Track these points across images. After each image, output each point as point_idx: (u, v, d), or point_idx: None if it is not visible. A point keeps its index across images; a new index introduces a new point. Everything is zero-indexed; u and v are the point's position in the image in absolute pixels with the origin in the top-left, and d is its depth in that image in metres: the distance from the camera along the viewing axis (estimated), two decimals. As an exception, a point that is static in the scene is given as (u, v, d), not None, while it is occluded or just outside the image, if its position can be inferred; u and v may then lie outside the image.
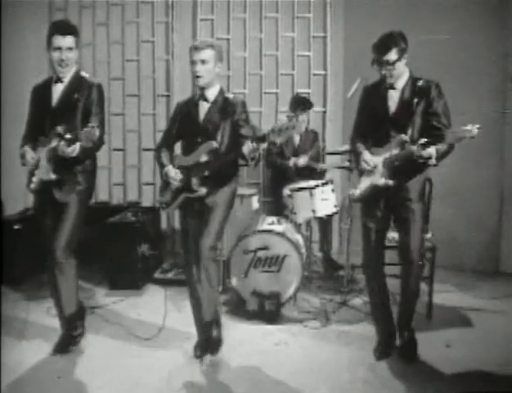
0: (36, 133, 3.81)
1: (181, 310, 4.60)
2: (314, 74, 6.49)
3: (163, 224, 6.47)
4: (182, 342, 4.11)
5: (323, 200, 5.12)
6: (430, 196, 4.72)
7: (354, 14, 6.24)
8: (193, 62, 3.72)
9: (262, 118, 6.50)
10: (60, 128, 3.65)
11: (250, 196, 5.44)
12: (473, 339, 4.24)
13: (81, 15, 6.46)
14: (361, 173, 3.83)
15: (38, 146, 3.78)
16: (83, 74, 3.87)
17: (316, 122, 6.39)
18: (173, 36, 6.51)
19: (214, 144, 3.74)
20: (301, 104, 5.69)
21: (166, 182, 3.89)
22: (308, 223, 5.46)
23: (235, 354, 3.99)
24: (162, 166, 3.90)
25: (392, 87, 3.69)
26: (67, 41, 3.70)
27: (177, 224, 6.14)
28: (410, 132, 3.66)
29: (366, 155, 3.76)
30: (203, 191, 3.76)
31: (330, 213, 5.21)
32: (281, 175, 5.72)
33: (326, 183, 5.22)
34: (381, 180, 3.70)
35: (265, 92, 6.53)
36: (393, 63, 3.58)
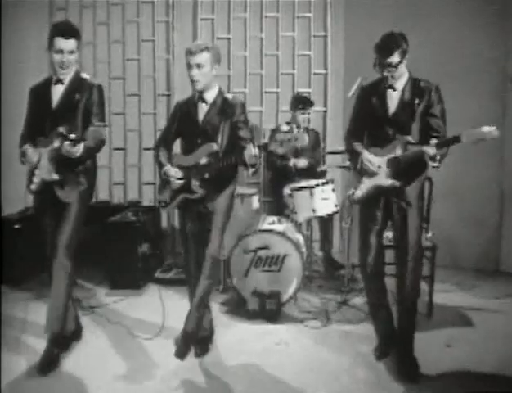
0: (35, 134, 3.80)
1: (181, 310, 4.59)
2: (314, 74, 6.49)
3: (164, 224, 6.48)
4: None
5: (323, 199, 5.13)
6: (431, 195, 4.72)
7: (354, 13, 6.24)
8: (189, 66, 3.70)
9: (263, 117, 6.50)
10: (62, 129, 3.65)
11: (251, 195, 5.44)
12: (473, 338, 4.24)
13: (81, 14, 6.46)
14: (362, 173, 3.80)
15: (37, 146, 3.77)
16: (83, 75, 3.87)
17: (317, 121, 6.39)
18: (174, 35, 6.52)
19: (215, 147, 3.74)
20: (301, 103, 5.69)
21: (165, 181, 3.89)
22: (309, 222, 5.47)
23: (236, 354, 4.00)
24: (161, 165, 3.91)
25: (392, 87, 3.69)
26: (69, 44, 3.69)
27: (177, 224, 6.15)
28: (409, 130, 3.67)
29: (368, 155, 3.74)
30: (201, 192, 3.76)
31: (330, 212, 5.21)
32: (282, 175, 5.71)
33: (327, 183, 5.22)
34: (388, 181, 3.69)
35: (265, 92, 6.53)
36: (396, 65, 3.58)
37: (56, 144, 3.65)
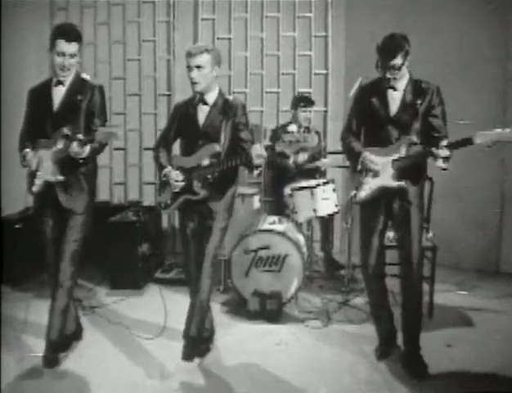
0: (36, 136, 3.80)
1: (181, 310, 4.58)
2: (315, 74, 6.49)
3: (164, 224, 6.49)
4: (183, 342, 4.10)
5: (324, 199, 5.12)
6: (431, 196, 4.72)
7: (355, 13, 6.25)
8: (189, 68, 3.69)
9: (264, 117, 6.50)
10: (66, 130, 3.65)
11: (252, 195, 5.44)
12: (473, 339, 4.24)
13: (82, 14, 6.46)
14: (363, 173, 3.77)
15: (38, 148, 3.76)
16: (84, 75, 3.86)
17: (318, 121, 6.38)
18: (175, 35, 6.52)
19: (217, 148, 3.73)
20: (303, 101, 5.69)
21: (164, 183, 3.88)
22: (309, 222, 5.47)
23: (236, 354, 4.00)
24: (161, 166, 3.89)
25: (393, 87, 3.69)
26: (71, 47, 3.67)
27: (177, 224, 6.15)
28: (411, 131, 3.67)
29: (371, 155, 3.72)
30: (204, 193, 3.76)
31: (331, 212, 5.21)
32: (282, 175, 5.71)
33: (327, 183, 5.22)
34: (394, 182, 3.68)
35: (266, 92, 6.53)
36: (399, 67, 3.58)
37: (60, 145, 3.66)
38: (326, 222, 5.75)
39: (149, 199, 6.58)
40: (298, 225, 5.31)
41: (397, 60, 3.55)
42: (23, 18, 5.98)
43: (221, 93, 3.84)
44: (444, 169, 3.50)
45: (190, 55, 3.67)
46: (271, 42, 6.47)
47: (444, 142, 3.46)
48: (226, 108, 3.78)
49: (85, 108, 3.77)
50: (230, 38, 6.47)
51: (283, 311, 4.67)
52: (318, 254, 5.95)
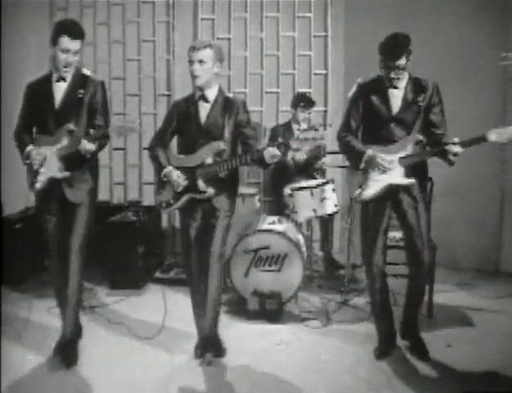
0: (38, 132, 3.80)
1: (181, 310, 4.59)
2: (315, 74, 6.49)
3: (164, 223, 6.48)
4: (183, 342, 4.12)
5: (324, 199, 5.12)
6: (431, 195, 4.72)
7: (355, 13, 6.24)
8: (191, 62, 3.70)
9: (263, 117, 6.50)
10: (71, 126, 3.66)
11: (251, 195, 5.45)
12: (473, 338, 4.24)
13: (82, 14, 6.45)
14: (370, 171, 3.76)
15: (40, 144, 3.76)
16: (85, 71, 3.85)
17: (317, 121, 6.37)
18: (174, 35, 6.52)
19: (222, 145, 3.73)
20: (303, 101, 5.69)
21: (163, 182, 3.86)
22: (309, 222, 5.47)
23: (236, 354, 3.99)
24: (160, 166, 3.86)
25: (395, 86, 3.70)
26: (75, 45, 3.67)
27: (177, 223, 6.16)
28: (412, 129, 3.72)
29: (377, 153, 3.71)
30: (211, 192, 3.76)
31: (330, 212, 5.21)
32: (282, 174, 5.71)
33: (327, 183, 5.22)
34: (404, 180, 3.70)
35: (266, 92, 6.53)
36: (404, 67, 3.62)
37: (66, 141, 3.66)
38: (326, 222, 5.75)
39: (148, 199, 6.56)
40: (298, 225, 5.31)
41: (402, 61, 3.59)
42: (23, 18, 5.97)
43: (221, 91, 3.85)
44: (451, 165, 3.58)
45: (193, 49, 3.68)
46: (270, 42, 6.47)
47: (456, 139, 3.51)
48: (227, 105, 3.78)
49: (87, 104, 3.77)
50: (229, 38, 6.47)
51: (283, 311, 4.67)
52: (318, 254, 5.95)
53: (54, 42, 3.67)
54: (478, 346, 4.09)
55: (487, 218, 5.82)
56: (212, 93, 3.80)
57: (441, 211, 5.09)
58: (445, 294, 5.05)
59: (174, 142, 4.00)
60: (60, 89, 3.77)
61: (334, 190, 5.22)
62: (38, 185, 3.76)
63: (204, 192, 3.75)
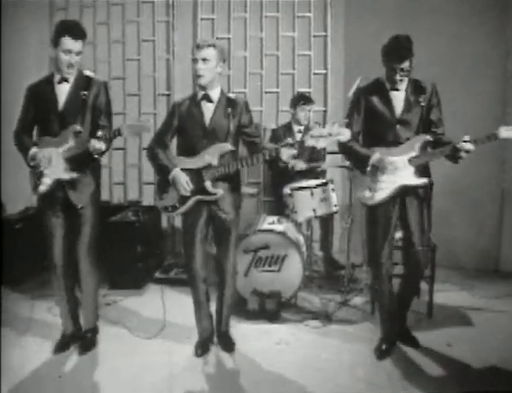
0: (39, 134, 3.80)
1: (181, 310, 4.60)
2: (315, 74, 6.49)
3: (164, 223, 6.48)
4: (183, 341, 4.12)
5: (324, 199, 5.12)
6: (431, 194, 4.72)
7: (355, 13, 6.24)
8: (194, 60, 3.69)
9: (263, 117, 6.50)
10: (78, 127, 3.66)
11: (251, 195, 5.45)
12: (473, 338, 4.24)
13: (82, 14, 6.44)
14: (378, 174, 3.77)
15: (44, 146, 3.75)
16: (87, 72, 3.84)
17: (317, 121, 6.38)
18: (174, 35, 6.51)
19: (229, 146, 3.74)
20: (301, 99, 5.69)
21: (165, 184, 3.83)
22: (309, 222, 5.46)
23: (236, 354, 4.00)
24: (161, 167, 3.82)
25: (397, 88, 3.73)
26: (78, 45, 3.67)
27: (177, 223, 6.17)
28: (415, 130, 3.77)
29: (388, 156, 3.73)
30: (220, 192, 3.76)
31: (330, 212, 5.21)
32: (282, 174, 5.70)
33: (327, 183, 5.21)
34: (417, 180, 3.74)
35: (265, 92, 6.52)
36: (408, 70, 3.66)
37: (72, 142, 3.66)
38: (326, 222, 5.75)
39: (148, 199, 6.56)
40: (298, 225, 5.30)
41: (407, 63, 3.63)
42: (23, 18, 5.97)
43: (222, 91, 3.84)
44: (456, 163, 3.66)
45: (197, 47, 3.69)
46: (270, 42, 6.46)
47: (467, 137, 3.56)
48: (230, 106, 3.77)
49: (91, 105, 3.77)
50: (229, 38, 6.46)
51: (282, 311, 4.67)
52: (318, 254, 5.95)
53: (56, 43, 3.67)
54: (478, 346, 4.08)
55: (487, 218, 5.83)
56: (215, 94, 3.80)
57: (441, 211, 5.09)
58: (445, 294, 5.04)
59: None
60: (63, 90, 3.76)
61: (333, 190, 5.22)
62: (43, 187, 3.74)
63: (213, 194, 3.75)
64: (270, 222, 5.04)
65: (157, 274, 5.64)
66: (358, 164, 3.86)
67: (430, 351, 3.92)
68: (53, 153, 3.71)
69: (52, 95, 3.75)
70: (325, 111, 6.51)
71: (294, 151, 3.56)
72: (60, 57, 3.68)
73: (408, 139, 3.74)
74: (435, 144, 3.74)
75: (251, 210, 5.50)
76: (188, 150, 3.82)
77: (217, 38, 6.38)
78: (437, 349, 4.01)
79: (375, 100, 3.77)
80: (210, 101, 3.79)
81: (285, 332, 4.39)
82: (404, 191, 3.77)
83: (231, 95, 3.89)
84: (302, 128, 5.65)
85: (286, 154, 3.58)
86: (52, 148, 3.72)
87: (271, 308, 4.58)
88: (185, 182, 3.74)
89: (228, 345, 4.05)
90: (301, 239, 5.11)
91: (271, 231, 4.81)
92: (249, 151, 3.87)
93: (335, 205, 5.20)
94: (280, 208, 5.53)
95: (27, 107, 3.85)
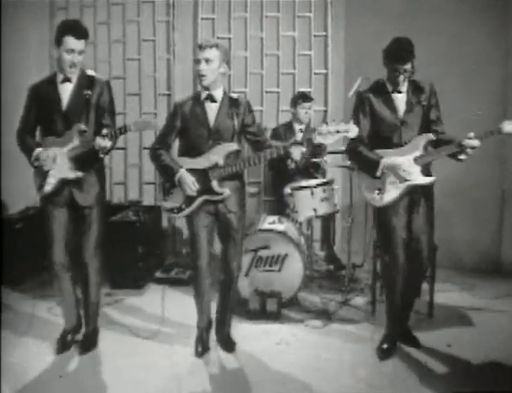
0: (42, 134, 3.80)
1: (182, 309, 4.60)
2: (315, 73, 6.49)
3: (165, 223, 6.47)
4: (183, 341, 4.12)
5: (324, 199, 5.12)
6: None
7: (355, 13, 6.24)
8: (197, 61, 3.69)
9: (264, 117, 6.50)
10: (83, 126, 3.66)
11: (252, 194, 5.45)
12: (474, 338, 4.24)
13: (82, 14, 6.44)
14: (385, 176, 3.77)
15: (48, 146, 3.75)
16: (90, 72, 3.84)
17: (318, 121, 6.38)
18: (174, 35, 6.51)
19: (235, 146, 3.75)
20: (301, 97, 5.69)
21: (169, 186, 3.82)
22: (309, 221, 5.46)
23: (236, 353, 4.00)
24: (166, 168, 3.79)
25: (399, 90, 3.74)
26: (81, 45, 3.67)
27: (178, 224, 6.18)
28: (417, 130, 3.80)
29: (395, 159, 3.74)
30: (228, 192, 3.75)
31: (331, 212, 5.20)
32: (282, 174, 5.70)
33: (327, 182, 5.21)
34: (426, 179, 3.78)
35: (266, 92, 6.52)
36: (410, 71, 3.68)
37: (77, 142, 3.66)
38: (327, 221, 5.75)
39: (149, 199, 6.57)
40: (299, 225, 5.30)
41: (409, 65, 3.66)
42: (23, 18, 5.97)
43: (225, 92, 3.84)
44: (460, 161, 3.69)
45: (200, 47, 3.68)
46: (270, 41, 6.46)
47: (472, 134, 3.57)
48: (234, 106, 3.77)
49: (95, 104, 3.78)
50: (229, 38, 6.45)
51: (283, 311, 4.66)
52: (318, 253, 5.95)
53: (58, 42, 3.67)
54: (479, 346, 4.08)
55: (488, 217, 5.82)
56: (218, 94, 3.79)
57: (441, 211, 5.08)
58: (445, 294, 5.04)
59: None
60: (66, 90, 3.77)
61: (334, 189, 5.22)
62: (48, 187, 3.74)
63: (219, 194, 3.75)
64: (270, 221, 5.03)
65: (157, 274, 5.63)
66: (367, 168, 3.86)
67: (431, 351, 3.92)
68: (58, 153, 3.71)
69: (56, 95, 3.76)
70: (325, 111, 6.50)
71: (304, 149, 3.56)
72: (63, 57, 3.68)
73: (411, 139, 3.75)
74: (436, 143, 3.76)
75: (252, 210, 5.49)
76: (191, 150, 3.80)
77: (218, 38, 6.39)
78: (438, 349, 4.01)
79: (379, 102, 3.80)
80: (214, 101, 3.78)
81: (286, 331, 4.38)
82: (413, 191, 3.79)
83: (234, 95, 3.88)
84: (303, 126, 5.67)
85: (296, 152, 3.58)
86: (57, 148, 3.72)
87: (272, 308, 4.58)
88: (191, 183, 3.72)
89: (229, 345, 4.06)
90: (301, 239, 5.11)
91: (271, 230, 4.81)
92: (254, 150, 3.87)
93: (336, 205, 5.20)
94: (280, 207, 5.53)
95: (29, 107, 3.85)
